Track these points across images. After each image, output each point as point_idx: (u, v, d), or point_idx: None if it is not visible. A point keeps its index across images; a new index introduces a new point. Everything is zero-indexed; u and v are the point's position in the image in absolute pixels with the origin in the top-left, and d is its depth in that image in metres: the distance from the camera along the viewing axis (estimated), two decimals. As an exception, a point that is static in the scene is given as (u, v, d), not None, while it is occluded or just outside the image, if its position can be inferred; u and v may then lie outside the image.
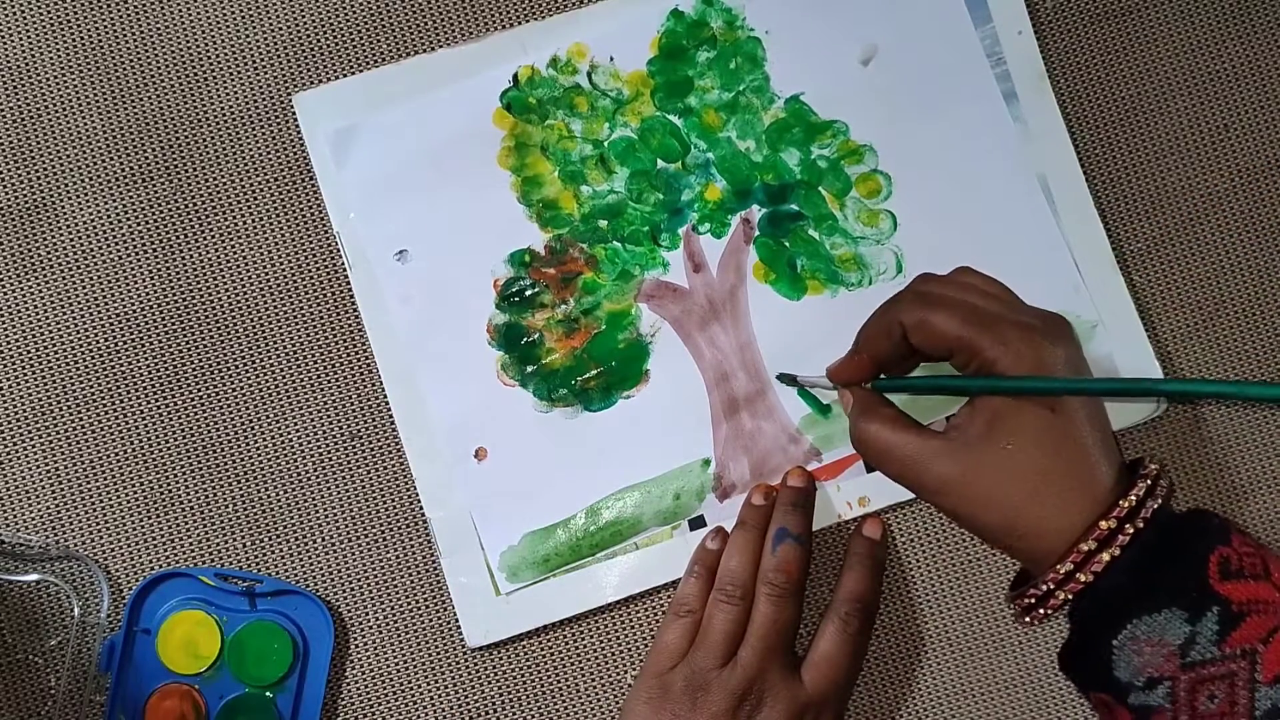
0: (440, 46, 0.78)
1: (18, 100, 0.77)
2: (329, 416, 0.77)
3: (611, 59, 0.78)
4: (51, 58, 0.78)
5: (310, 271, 0.78)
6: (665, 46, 0.78)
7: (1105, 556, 0.62)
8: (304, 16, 0.78)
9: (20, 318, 0.77)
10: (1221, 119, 0.79)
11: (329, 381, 0.78)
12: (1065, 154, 0.78)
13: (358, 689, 0.77)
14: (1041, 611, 0.65)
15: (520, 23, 0.78)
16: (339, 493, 0.77)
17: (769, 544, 0.73)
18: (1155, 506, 0.63)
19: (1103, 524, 0.62)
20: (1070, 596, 0.63)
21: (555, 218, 0.78)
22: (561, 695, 0.77)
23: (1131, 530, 0.62)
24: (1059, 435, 0.64)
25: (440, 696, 0.77)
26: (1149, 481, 0.63)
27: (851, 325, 0.76)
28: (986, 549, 0.78)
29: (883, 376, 0.72)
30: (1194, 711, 0.60)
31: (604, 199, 0.78)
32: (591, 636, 0.77)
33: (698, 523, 0.77)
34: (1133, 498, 0.63)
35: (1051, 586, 0.64)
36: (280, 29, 0.78)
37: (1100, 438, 0.65)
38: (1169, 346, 0.78)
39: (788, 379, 0.77)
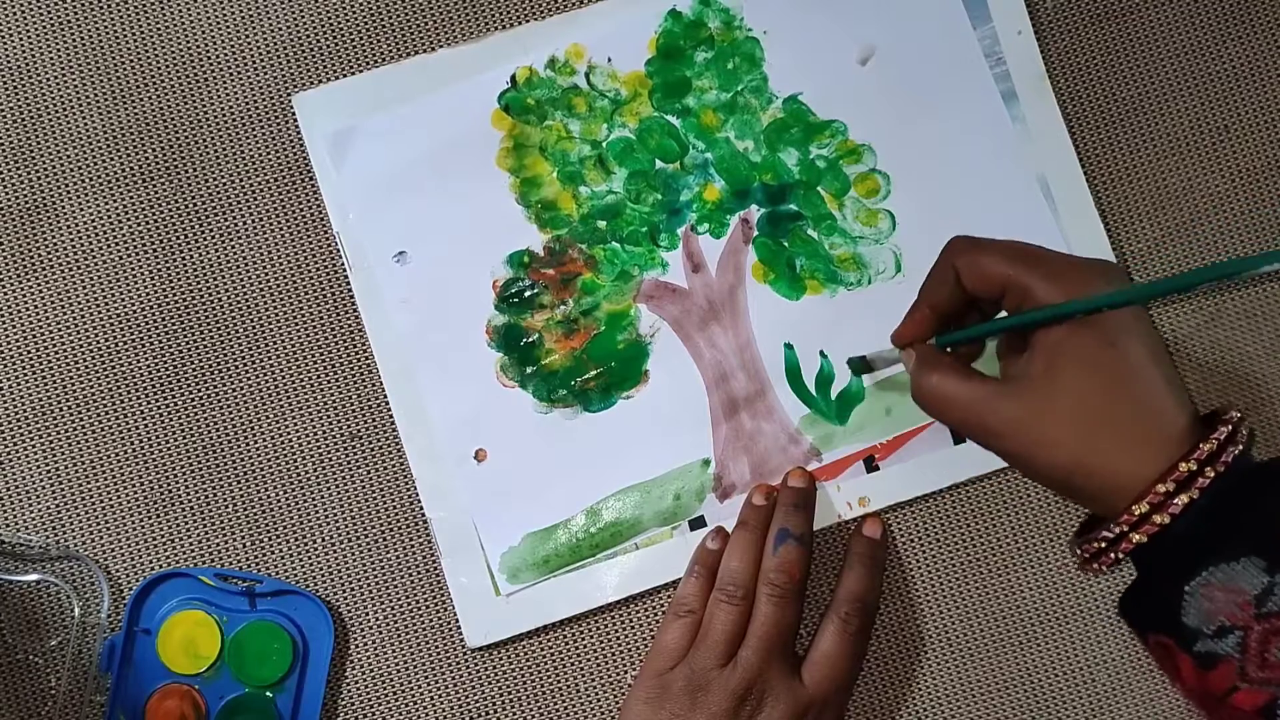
0: (440, 47, 0.78)
1: (18, 100, 0.77)
2: (329, 416, 0.77)
3: (609, 59, 0.78)
4: (51, 58, 0.78)
5: (310, 272, 0.78)
6: (663, 47, 0.78)
7: (1183, 499, 0.60)
8: (304, 16, 0.78)
9: (20, 318, 0.77)
10: (1221, 120, 0.79)
11: (329, 381, 0.78)
12: (1065, 154, 0.78)
13: (358, 689, 0.77)
14: (1111, 556, 0.63)
15: (519, 23, 0.79)
16: (339, 493, 0.77)
17: (770, 544, 0.73)
18: (1236, 452, 0.61)
19: (1182, 466, 0.61)
20: (1145, 539, 0.62)
21: (554, 218, 0.78)
22: (561, 695, 0.77)
23: (1212, 474, 0.61)
24: (1121, 371, 0.63)
25: (440, 696, 0.77)
26: (1229, 427, 0.62)
27: (851, 325, 0.77)
28: (986, 548, 0.78)
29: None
30: (1263, 662, 0.59)
31: (603, 199, 0.78)
32: (591, 636, 0.77)
33: (698, 523, 0.77)
34: (1214, 441, 0.61)
35: (1125, 529, 0.62)
36: (280, 29, 0.78)
37: (1166, 379, 0.63)
38: (1170, 346, 0.78)
39: (859, 364, 0.76)
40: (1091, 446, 0.62)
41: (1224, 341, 0.79)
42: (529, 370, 0.77)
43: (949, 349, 0.70)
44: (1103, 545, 0.63)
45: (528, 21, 0.78)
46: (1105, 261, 0.66)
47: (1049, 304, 0.63)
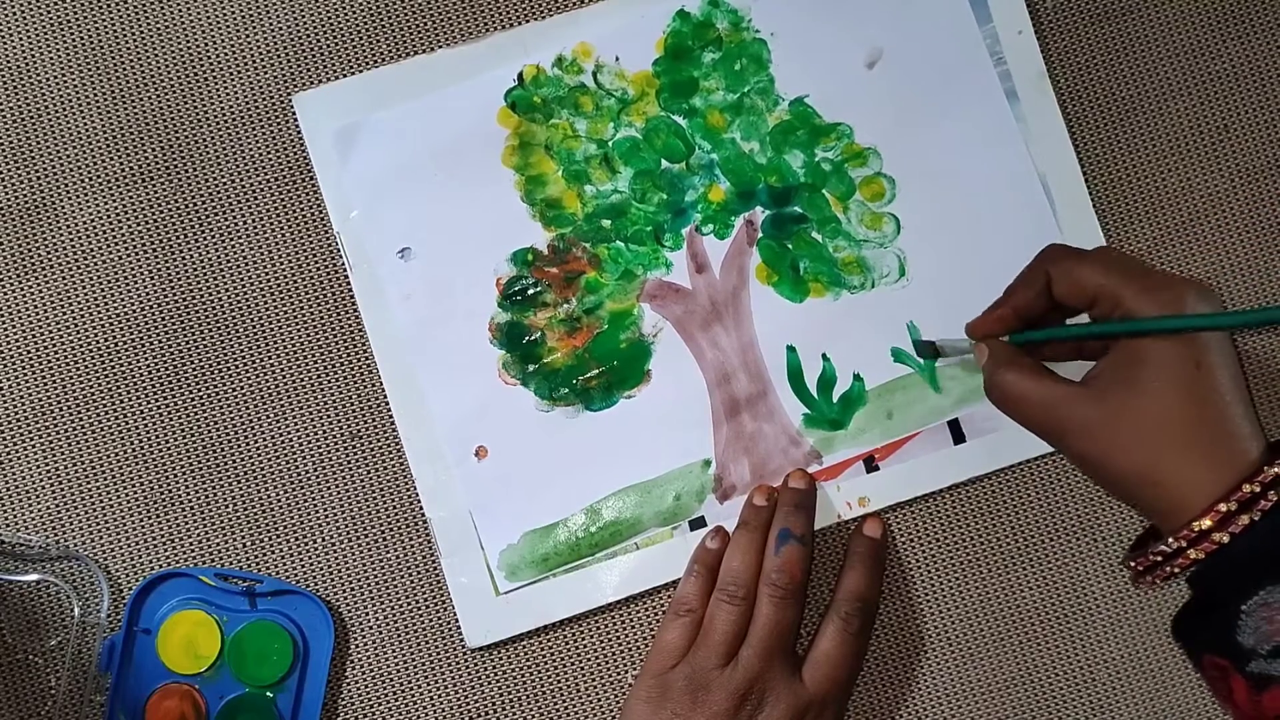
0: (440, 46, 0.78)
1: (18, 100, 0.77)
2: (329, 416, 0.77)
3: (617, 59, 0.78)
4: (51, 58, 0.77)
5: (310, 271, 0.78)
6: (671, 47, 0.78)
7: (1245, 519, 0.61)
8: (304, 16, 0.78)
9: (20, 318, 0.77)
10: (1221, 119, 0.79)
11: (329, 381, 0.77)
12: (1065, 154, 0.78)
13: (358, 689, 0.77)
14: (1167, 569, 0.64)
15: (521, 23, 0.78)
16: (339, 493, 0.77)
17: (771, 545, 0.73)
18: None
19: (1246, 486, 0.61)
20: (1203, 556, 0.62)
21: (558, 217, 0.78)
22: (561, 695, 0.77)
23: (1275, 497, 0.61)
24: (1204, 390, 0.63)
25: (440, 696, 0.77)
26: None
27: (854, 328, 0.77)
28: (986, 548, 0.78)
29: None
30: None
31: (607, 199, 0.78)
32: (591, 636, 0.77)
33: (697, 523, 0.77)
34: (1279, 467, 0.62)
35: (1184, 544, 0.62)
36: (280, 29, 0.78)
37: (1243, 405, 0.64)
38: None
39: (927, 348, 0.76)
40: (1162, 458, 0.63)
41: None
42: (531, 368, 0.77)
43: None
44: (1158, 559, 0.64)
45: (529, 21, 0.78)
46: (1199, 281, 0.66)
47: (1141, 317, 0.64)
